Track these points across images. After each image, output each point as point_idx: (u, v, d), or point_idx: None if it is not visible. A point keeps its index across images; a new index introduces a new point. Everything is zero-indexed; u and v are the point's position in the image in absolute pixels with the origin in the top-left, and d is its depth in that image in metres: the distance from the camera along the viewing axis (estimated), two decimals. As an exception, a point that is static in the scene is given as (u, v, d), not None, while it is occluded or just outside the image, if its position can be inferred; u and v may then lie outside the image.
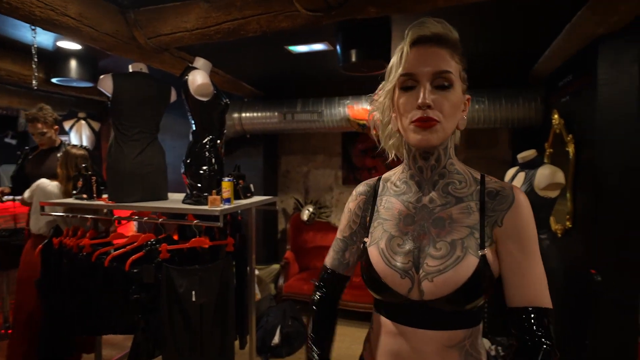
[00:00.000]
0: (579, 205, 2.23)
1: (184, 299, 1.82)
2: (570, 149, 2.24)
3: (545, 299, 0.72)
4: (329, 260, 0.95)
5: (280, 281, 3.62)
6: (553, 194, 2.04)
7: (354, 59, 2.17)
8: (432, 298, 0.74)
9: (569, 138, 2.27)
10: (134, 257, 1.84)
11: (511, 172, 2.34)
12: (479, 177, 0.80)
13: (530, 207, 0.75)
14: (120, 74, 2.12)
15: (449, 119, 0.73)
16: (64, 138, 4.55)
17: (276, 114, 3.52)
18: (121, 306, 1.94)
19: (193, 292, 1.82)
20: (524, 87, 3.01)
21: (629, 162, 1.97)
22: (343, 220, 0.94)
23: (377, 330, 0.85)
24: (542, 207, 2.07)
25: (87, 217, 2.17)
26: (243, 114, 3.60)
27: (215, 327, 1.93)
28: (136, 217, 2.02)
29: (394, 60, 0.76)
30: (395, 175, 0.88)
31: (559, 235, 2.41)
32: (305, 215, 3.91)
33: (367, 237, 0.85)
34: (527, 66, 2.91)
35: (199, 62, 2.10)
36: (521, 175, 2.19)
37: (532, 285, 0.72)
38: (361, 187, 0.92)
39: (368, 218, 0.87)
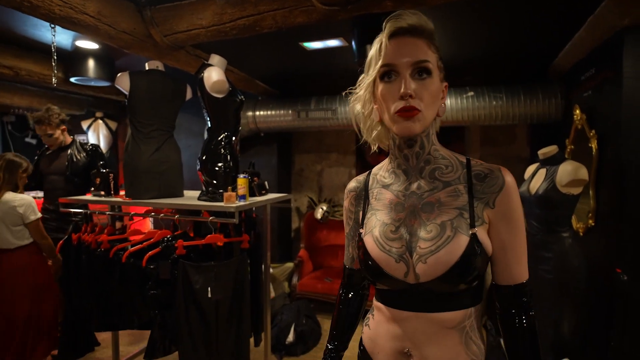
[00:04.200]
0: (602, 202, 2.16)
1: (199, 295, 1.82)
2: (593, 144, 2.17)
3: (525, 274, 0.79)
4: (344, 258, 1.01)
5: (294, 279, 3.61)
6: (576, 190, 1.97)
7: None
8: (428, 279, 0.76)
9: (591, 134, 2.20)
10: (150, 253, 1.86)
11: (531, 168, 2.28)
12: (464, 161, 0.82)
13: (517, 188, 0.79)
14: (137, 72, 2.14)
15: (429, 107, 0.76)
16: (81, 137, 4.65)
17: (290, 111, 3.51)
18: (138, 302, 1.96)
19: (209, 289, 1.82)
20: (544, 82, 2.94)
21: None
22: (344, 219, 0.98)
23: (378, 318, 0.88)
24: (564, 204, 2.00)
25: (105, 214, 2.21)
26: (257, 112, 3.61)
27: (230, 323, 1.93)
28: (152, 213, 2.03)
29: (372, 52, 0.79)
30: (383, 167, 0.91)
31: (581, 233, 2.34)
32: (319, 213, 3.90)
33: (362, 228, 0.88)
34: (546, 61, 2.84)
35: (215, 59, 2.10)
36: (542, 172, 2.13)
37: (517, 264, 0.78)
38: (351, 184, 0.95)
39: (361, 212, 0.90)
